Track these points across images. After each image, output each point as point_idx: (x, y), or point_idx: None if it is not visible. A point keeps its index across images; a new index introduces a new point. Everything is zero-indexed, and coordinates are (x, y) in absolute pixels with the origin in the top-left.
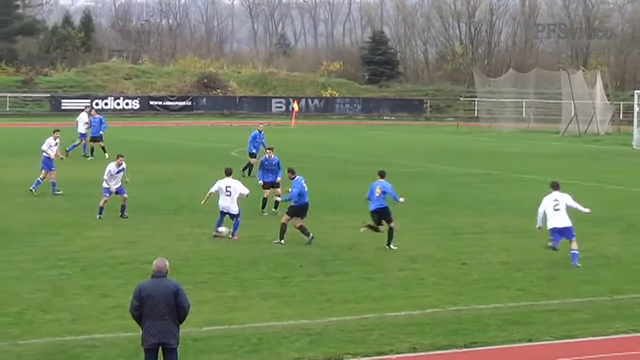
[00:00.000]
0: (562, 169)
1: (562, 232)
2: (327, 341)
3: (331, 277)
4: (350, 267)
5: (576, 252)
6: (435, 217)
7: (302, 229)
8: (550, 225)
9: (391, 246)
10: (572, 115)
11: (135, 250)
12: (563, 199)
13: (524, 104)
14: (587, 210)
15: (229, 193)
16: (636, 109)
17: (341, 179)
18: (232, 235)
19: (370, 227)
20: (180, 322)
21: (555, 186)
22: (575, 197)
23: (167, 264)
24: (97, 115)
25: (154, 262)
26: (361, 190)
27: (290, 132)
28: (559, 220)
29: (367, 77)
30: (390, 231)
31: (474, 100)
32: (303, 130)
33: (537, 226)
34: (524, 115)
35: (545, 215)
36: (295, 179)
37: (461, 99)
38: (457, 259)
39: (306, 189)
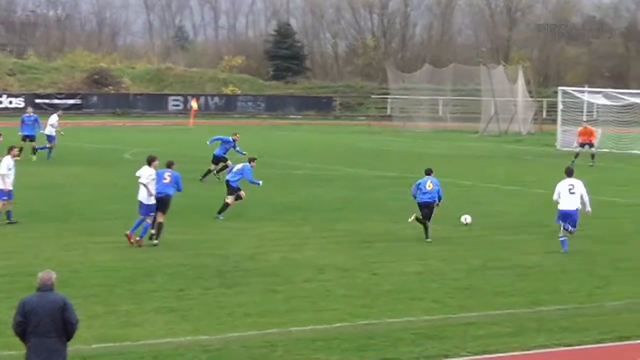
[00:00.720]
0: (481, 171)
1: (567, 214)
2: (227, 358)
3: (232, 289)
4: (252, 278)
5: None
6: (344, 224)
7: (158, 227)
8: (561, 206)
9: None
10: (492, 113)
11: (19, 261)
12: (578, 185)
13: (440, 101)
14: (589, 210)
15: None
16: (560, 106)
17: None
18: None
19: (417, 219)
20: (68, 340)
21: (569, 172)
22: (493, 202)
23: (54, 276)
24: (33, 114)
25: (39, 275)
26: (263, 195)
27: (188, 133)
28: (569, 203)
29: (271, 72)
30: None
31: (387, 98)
32: (202, 131)
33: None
34: (440, 113)
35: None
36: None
37: (373, 96)
38: (367, 269)
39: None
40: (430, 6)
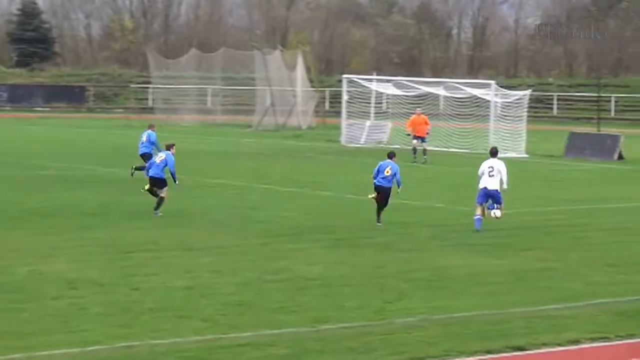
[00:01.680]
0: (256, 170)
1: (488, 194)
2: None
3: None
4: None
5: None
6: (98, 232)
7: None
8: (481, 185)
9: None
10: (268, 105)
11: None
12: (498, 166)
13: (209, 91)
14: (505, 187)
15: None
16: (344, 97)
17: None
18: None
19: (375, 200)
20: None
21: (493, 153)
22: (270, 205)
23: None
24: None
25: None
26: (6, 199)
27: None
28: (489, 183)
29: (15, 58)
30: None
31: (149, 87)
32: None
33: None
34: (209, 105)
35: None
36: None
37: (132, 85)
38: (127, 284)
39: None
40: None
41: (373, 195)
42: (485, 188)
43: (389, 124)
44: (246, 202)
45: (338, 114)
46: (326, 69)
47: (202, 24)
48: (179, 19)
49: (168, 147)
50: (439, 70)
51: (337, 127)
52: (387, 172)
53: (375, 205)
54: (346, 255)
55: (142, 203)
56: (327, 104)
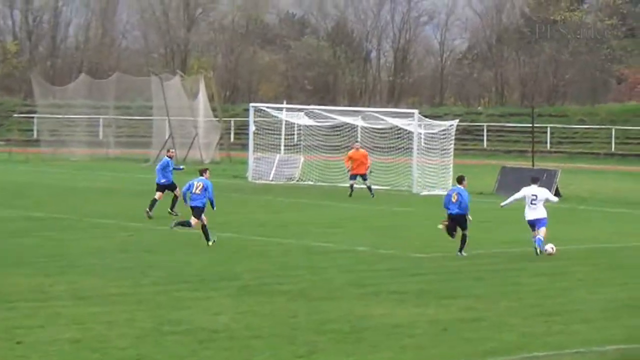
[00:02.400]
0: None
1: (532, 224)
2: None
3: None
4: None
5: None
6: None
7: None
8: (525, 216)
9: (462, 253)
10: (167, 137)
11: None
12: (541, 194)
13: (101, 121)
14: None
15: None
16: (251, 128)
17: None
18: None
19: (447, 227)
20: None
21: (535, 180)
22: (170, 249)
23: None
24: None
25: None
26: None
27: None
28: (532, 213)
29: None
30: (464, 238)
31: (33, 117)
32: None
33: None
34: (101, 136)
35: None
36: None
37: (15, 115)
38: (9, 337)
39: None
40: (88, 0)
41: (442, 224)
42: (529, 219)
43: (300, 158)
44: (141, 245)
45: (244, 146)
46: (231, 96)
47: (92, 47)
48: (67, 41)
49: (202, 172)
50: (356, 98)
51: (244, 162)
52: (454, 198)
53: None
54: (254, 304)
55: (26, 245)
56: (232, 136)
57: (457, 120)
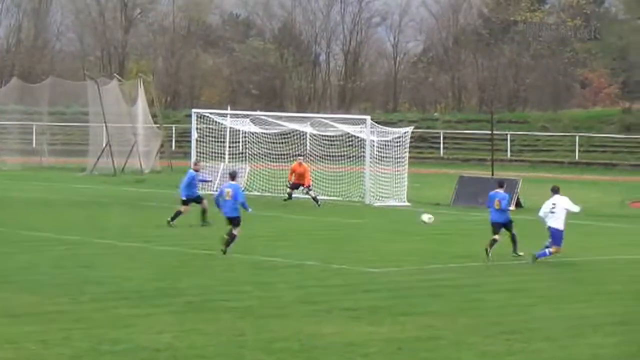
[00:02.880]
0: (90, 222)
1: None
2: None
3: None
4: None
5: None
6: None
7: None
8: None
9: (518, 252)
10: (105, 145)
11: None
12: (561, 203)
13: (34, 128)
14: (577, 209)
15: None
16: (194, 135)
17: None
18: None
19: (491, 244)
20: None
21: (555, 190)
22: (108, 263)
23: None
24: None
25: None
26: None
27: None
28: (551, 220)
29: None
30: (514, 238)
31: None
32: None
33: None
34: (34, 144)
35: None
36: None
37: None
38: None
39: None
40: (19, 0)
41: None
42: (552, 227)
43: (246, 167)
44: (78, 259)
45: (187, 155)
46: (172, 102)
47: (24, 50)
48: None
49: (232, 177)
50: (305, 103)
51: (186, 171)
52: (497, 205)
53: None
54: (198, 321)
55: None
56: (173, 144)
57: (412, 127)
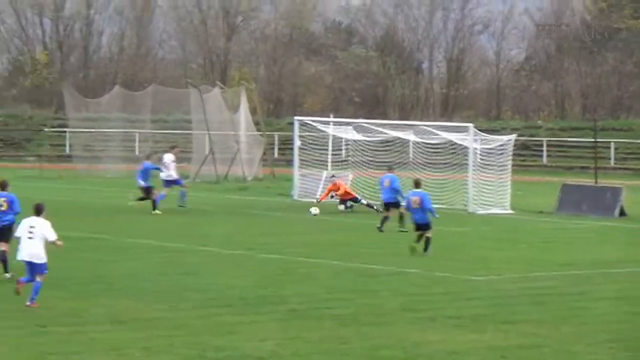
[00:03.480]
0: (193, 230)
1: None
2: None
3: None
4: None
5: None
6: (8, 303)
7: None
8: None
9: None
10: (207, 152)
11: None
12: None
13: (137, 136)
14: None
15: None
16: (296, 142)
17: None
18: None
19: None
20: None
21: None
22: (211, 271)
23: None
24: None
25: None
26: None
27: None
28: None
29: None
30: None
31: (65, 132)
32: None
33: None
34: (137, 152)
35: None
36: None
37: (46, 129)
38: None
39: None
40: (122, 8)
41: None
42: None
43: (349, 175)
44: (180, 267)
45: (289, 162)
46: (275, 110)
47: (127, 57)
48: (100, 52)
49: (417, 185)
50: (407, 111)
51: (289, 179)
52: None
53: None
54: (302, 329)
55: (61, 267)
56: (276, 151)
57: (515, 135)
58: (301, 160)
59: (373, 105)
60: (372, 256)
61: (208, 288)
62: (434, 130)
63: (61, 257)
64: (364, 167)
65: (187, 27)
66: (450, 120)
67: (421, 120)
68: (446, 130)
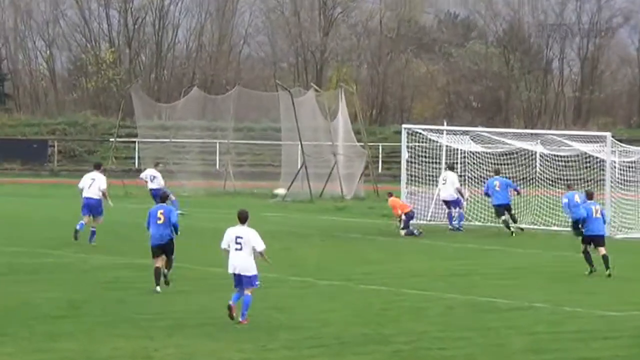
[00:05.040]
0: (282, 256)
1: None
2: None
3: None
4: None
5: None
6: (67, 342)
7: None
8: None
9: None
10: (300, 166)
11: None
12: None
13: (217, 146)
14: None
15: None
16: (404, 155)
17: None
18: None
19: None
20: None
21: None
22: (309, 305)
23: None
24: None
25: None
26: None
27: None
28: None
29: None
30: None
31: (135, 141)
32: None
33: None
34: (218, 166)
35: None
36: None
37: (112, 139)
38: None
39: None
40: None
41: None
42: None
43: (465, 192)
44: (269, 299)
45: (396, 178)
46: (379, 116)
47: (207, 56)
48: (176, 49)
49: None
50: (533, 118)
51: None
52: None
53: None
54: None
55: (127, 300)
56: (380, 165)
57: None
58: (409, 175)
59: (494, 111)
60: (492, 288)
61: (300, 325)
62: (565, 141)
63: (127, 287)
64: (483, 184)
65: (277, 20)
66: (583, 128)
67: (550, 128)
68: (579, 141)
